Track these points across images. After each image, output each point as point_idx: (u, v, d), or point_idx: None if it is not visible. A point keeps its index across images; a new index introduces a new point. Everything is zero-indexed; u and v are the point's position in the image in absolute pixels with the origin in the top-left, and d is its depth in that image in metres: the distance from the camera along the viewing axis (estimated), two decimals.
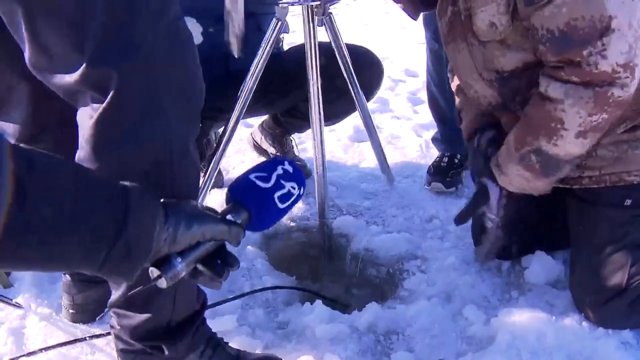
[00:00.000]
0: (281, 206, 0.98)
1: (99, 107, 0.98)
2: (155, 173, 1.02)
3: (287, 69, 1.94)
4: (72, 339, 1.45)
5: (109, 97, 0.96)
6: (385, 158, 1.98)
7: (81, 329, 1.50)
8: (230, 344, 1.40)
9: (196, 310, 1.24)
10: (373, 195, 2.12)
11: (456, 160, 2.14)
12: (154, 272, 0.86)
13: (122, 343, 1.23)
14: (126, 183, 0.82)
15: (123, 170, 1.01)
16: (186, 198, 1.07)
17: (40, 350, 1.39)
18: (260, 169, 1.00)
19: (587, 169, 1.41)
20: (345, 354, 1.42)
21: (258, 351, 1.43)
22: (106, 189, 0.79)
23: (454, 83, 1.69)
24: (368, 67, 1.99)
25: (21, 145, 0.77)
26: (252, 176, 0.98)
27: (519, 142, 1.35)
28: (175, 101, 1.02)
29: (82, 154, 1.03)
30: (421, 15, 2.02)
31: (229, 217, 0.93)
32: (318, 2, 1.62)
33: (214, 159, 1.83)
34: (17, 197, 0.68)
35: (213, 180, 1.86)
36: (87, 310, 1.51)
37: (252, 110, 1.94)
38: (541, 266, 1.63)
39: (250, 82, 1.74)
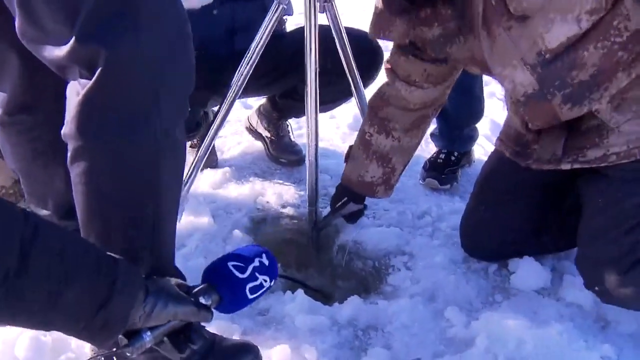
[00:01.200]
0: (250, 297, 1.06)
1: (86, 85, 0.96)
2: (140, 158, 1.01)
3: (287, 50, 1.91)
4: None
5: (95, 75, 0.94)
6: None
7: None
8: (207, 329, 1.39)
9: None
10: None
11: (453, 158, 2.12)
12: (122, 340, 0.94)
13: None
14: (115, 256, 0.90)
15: (106, 153, 0.99)
16: (170, 183, 1.07)
17: None
18: (239, 257, 1.08)
19: (612, 146, 1.36)
20: (322, 346, 1.41)
21: (235, 337, 1.42)
22: (98, 260, 0.87)
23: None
24: (367, 53, 1.96)
25: (28, 208, 0.82)
26: (230, 264, 1.06)
27: None
28: (165, 86, 1.00)
29: (67, 130, 1.01)
30: None
31: (201, 299, 1.02)
32: None
33: (207, 137, 1.81)
34: (19, 264, 0.76)
35: (205, 159, 1.84)
36: None
37: (251, 89, 1.92)
38: (528, 272, 1.62)
39: (248, 63, 1.71)
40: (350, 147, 1.76)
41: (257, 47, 1.70)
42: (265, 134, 2.26)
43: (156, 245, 1.13)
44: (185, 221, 1.84)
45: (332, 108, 2.20)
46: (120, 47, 0.94)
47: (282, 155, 2.22)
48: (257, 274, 1.06)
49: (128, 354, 0.93)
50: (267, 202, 2.01)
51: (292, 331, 1.45)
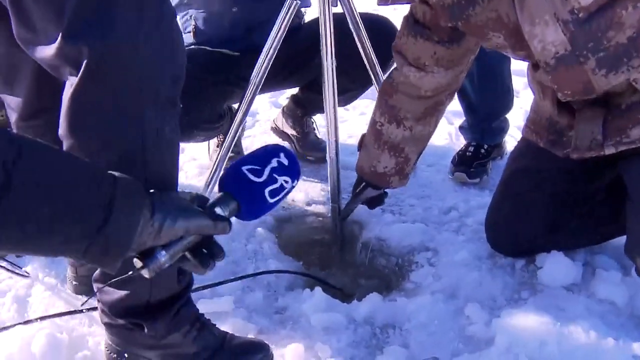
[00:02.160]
0: (271, 200, 0.97)
1: (73, 83, 0.97)
2: (127, 155, 1.01)
3: (304, 42, 1.89)
4: (72, 309, 1.48)
5: (79, 73, 0.95)
6: None
7: (83, 301, 1.53)
8: (224, 326, 1.39)
9: (177, 292, 1.23)
10: None
11: (482, 151, 2.05)
12: (137, 262, 0.88)
13: (106, 317, 1.24)
14: (115, 173, 0.84)
15: (96, 149, 1.00)
16: (161, 183, 1.07)
17: (37, 319, 1.42)
18: (254, 159, 0.99)
19: None
20: (337, 344, 1.38)
21: (251, 335, 1.41)
22: (93, 178, 0.80)
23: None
24: (383, 37, 1.92)
25: (11, 130, 0.79)
26: (244, 168, 0.96)
27: None
28: (152, 84, 1.00)
29: (61, 130, 1.03)
30: None
31: (217, 209, 0.93)
32: None
33: (229, 133, 1.81)
34: (3, 185, 0.71)
35: (229, 156, 1.85)
36: (90, 283, 1.53)
37: (271, 83, 1.91)
38: (558, 267, 1.55)
39: (265, 59, 1.70)
40: (363, 135, 1.71)
41: (272, 43, 1.69)
42: (291, 132, 2.25)
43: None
44: None
45: (353, 99, 2.18)
46: (104, 46, 0.95)
47: (309, 153, 2.21)
48: (275, 176, 0.97)
49: (146, 276, 0.88)
50: (292, 199, 2.00)
51: (307, 330, 1.43)
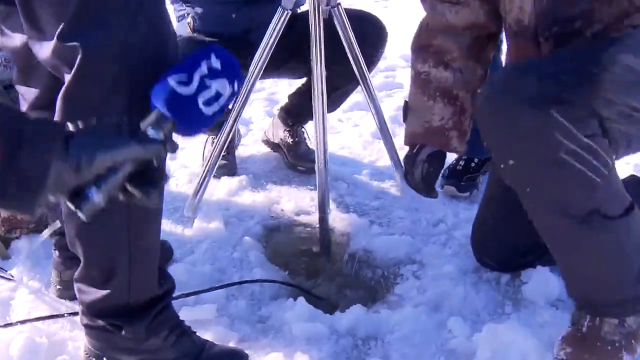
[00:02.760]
0: (208, 111, 0.89)
1: (67, 80, 0.99)
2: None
3: (296, 31, 1.85)
4: (54, 313, 1.48)
5: (72, 73, 0.97)
6: (398, 156, 1.92)
7: (66, 305, 1.53)
8: (206, 334, 1.39)
9: (158, 295, 1.23)
10: (383, 195, 2.06)
11: (473, 165, 2.05)
12: (70, 206, 0.82)
13: (86, 318, 1.24)
14: (26, 114, 0.82)
15: None
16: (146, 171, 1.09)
17: (18, 322, 1.42)
18: (181, 68, 0.89)
19: None
20: (318, 355, 1.38)
21: (232, 344, 1.41)
22: (9, 119, 0.78)
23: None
24: (371, 35, 1.95)
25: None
26: (170, 79, 0.88)
27: None
28: (141, 84, 1.02)
29: None
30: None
31: (150, 131, 0.87)
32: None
33: (218, 139, 1.80)
34: None
35: (219, 161, 1.85)
36: (73, 287, 1.53)
37: (267, 69, 1.91)
38: (542, 282, 1.54)
39: (257, 64, 1.71)
40: (406, 102, 1.56)
41: (264, 51, 1.70)
42: (282, 142, 2.26)
43: (134, 246, 1.14)
44: (197, 228, 1.85)
45: (340, 99, 2.20)
46: (96, 47, 0.97)
47: (300, 163, 2.21)
48: (207, 82, 0.88)
49: (83, 219, 0.82)
50: (282, 209, 2.00)
51: (289, 339, 1.43)
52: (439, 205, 1.98)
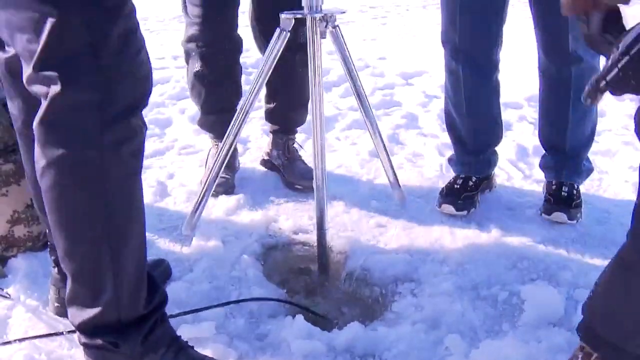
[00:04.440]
0: None
1: (42, 107, 1.03)
2: (87, 174, 1.08)
3: None
4: (52, 331, 1.48)
5: (47, 99, 1.00)
6: (395, 175, 1.94)
7: (64, 323, 1.52)
8: (204, 352, 1.39)
9: (149, 310, 1.24)
10: (381, 213, 2.07)
11: (470, 183, 2.07)
12: None
13: (83, 337, 1.25)
14: None
15: (58, 170, 1.07)
16: (123, 201, 1.14)
17: (16, 340, 1.42)
18: None
19: None
20: None
21: None
22: None
23: None
24: None
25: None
26: None
27: None
28: (113, 108, 1.05)
29: (36, 152, 1.07)
30: (440, 32, 1.99)
31: None
32: (322, 14, 1.61)
33: (217, 155, 1.81)
34: None
35: (217, 182, 1.86)
36: None
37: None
38: (540, 300, 1.55)
39: (255, 87, 1.73)
40: None
41: (263, 70, 1.72)
42: (277, 161, 2.28)
43: (117, 262, 1.16)
44: (195, 247, 1.86)
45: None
46: (70, 78, 1.01)
47: (297, 182, 2.22)
48: None
49: None
50: (280, 228, 2.01)
51: (287, 356, 1.43)
52: (436, 223, 1.99)
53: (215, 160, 1.82)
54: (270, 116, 2.31)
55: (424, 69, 3.52)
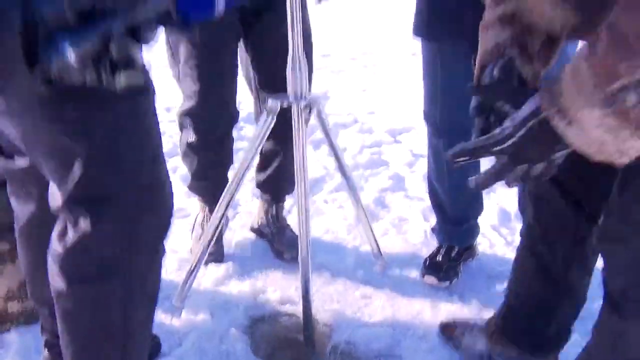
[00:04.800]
0: None
1: (72, 238, 1.10)
2: (110, 304, 1.14)
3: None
4: None
5: (72, 232, 1.08)
6: (378, 245, 2.01)
7: None
8: None
9: None
10: (366, 284, 2.12)
11: (453, 254, 2.13)
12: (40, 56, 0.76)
13: None
14: None
15: (81, 298, 1.13)
16: (141, 328, 1.22)
17: None
18: None
19: None
20: None
21: None
22: None
23: None
24: None
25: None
26: None
27: (604, 73, 0.82)
28: (138, 241, 1.13)
29: (51, 272, 1.14)
30: (422, 110, 2.07)
31: None
32: (307, 102, 1.69)
33: (210, 224, 1.88)
34: None
35: (208, 254, 1.92)
36: None
37: None
38: None
39: (249, 161, 1.80)
40: None
41: (252, 149, 1.79)
42: (266, 230, 2.34)
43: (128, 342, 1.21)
44: (184, 319, 1.91)
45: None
46: (102, 213, 1.09)
47: (286, 250, 2.27)
48: None
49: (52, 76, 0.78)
50: (267, 299, 2.06)
51: None
52: (418, 295, 2.05)
53: (205, 232, 1.89)
54: (261, 185, 2.37)
55: (411, 125, 3.60)
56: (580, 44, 0.97)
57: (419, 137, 3.57)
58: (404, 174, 3.08)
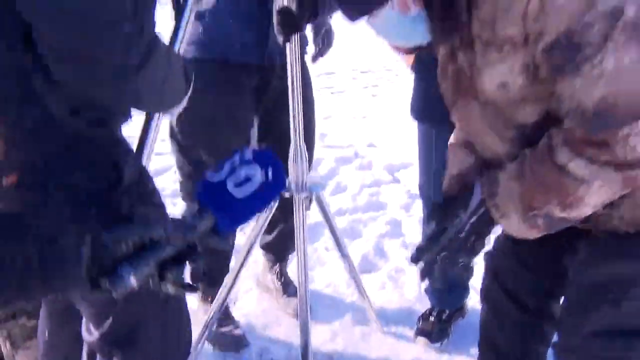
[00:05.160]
0: (239, 196, 0.90)
1: None
2: None
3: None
4: None
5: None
6: (371, 303, 2.18)
7: None
8: None
9: None
10: (362, 342, 2.28)
11: (444, 316, 2.28)
12: (103, 283, 0.84)
13: None
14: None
15: None
16: None
17: None
18: (219, 165, 0.95)
19: (618, 207, 1.17)
20: None
21: None
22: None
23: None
24: None
25: None
26: (207, 175, 0.93)
27: (525, 201, 1.14)
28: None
29: None
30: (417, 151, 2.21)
31: (189, 219, 0.89)
32: (307, 194, 1.84)
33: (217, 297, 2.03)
34: None
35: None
36: None
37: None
38: None
39: (249, 247, 1.96)
40: None
41: (255, 233, 1.95)
42: (271, 286, 2.49)
43: None
44: None
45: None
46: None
47: (288, 307, 2.42)
48: (236, 169, 0.91)
49: (115, 297, 0.84)
50: (272, 358, 2.22)
51: None
52: (412, 354, 2.21)
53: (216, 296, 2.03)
54: (265, 247, 2.49)
55: (409, 161, 3.72)
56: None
57: (415, 175, 3.70)
58: (401, 217, 3.21)
